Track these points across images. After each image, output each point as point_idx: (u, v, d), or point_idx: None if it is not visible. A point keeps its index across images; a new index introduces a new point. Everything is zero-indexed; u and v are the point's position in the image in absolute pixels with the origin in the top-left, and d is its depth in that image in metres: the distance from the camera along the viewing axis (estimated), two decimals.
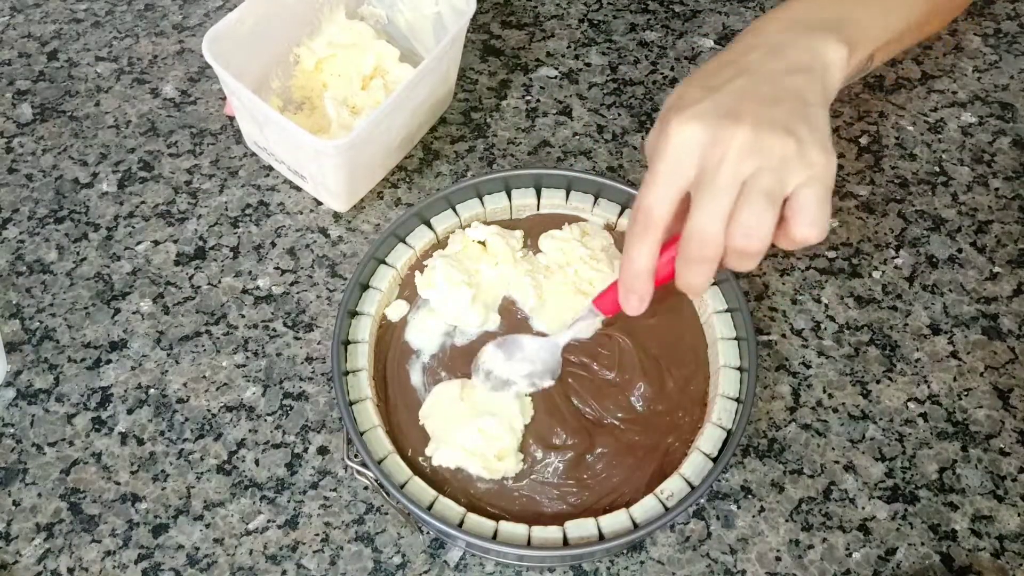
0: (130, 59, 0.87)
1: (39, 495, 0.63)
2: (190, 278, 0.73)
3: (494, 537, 0.56)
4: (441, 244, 0.69)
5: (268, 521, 0.61)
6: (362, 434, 0.58)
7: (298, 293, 0.72)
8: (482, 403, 0.60)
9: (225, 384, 0.67)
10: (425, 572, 0.60)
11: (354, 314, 0.64)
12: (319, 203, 0.76)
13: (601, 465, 0.60)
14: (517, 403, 0.61)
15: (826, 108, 0.50)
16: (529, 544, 0.56)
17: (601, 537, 0.56)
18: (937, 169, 0.79)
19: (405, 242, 0.68)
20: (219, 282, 0.72)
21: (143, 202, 0.77)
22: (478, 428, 0.59)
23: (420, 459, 0.60)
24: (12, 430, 0.65)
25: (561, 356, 0.62)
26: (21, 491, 0.63)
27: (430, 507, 0.56)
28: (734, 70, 0.51)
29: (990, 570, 0.60)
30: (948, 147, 0.81)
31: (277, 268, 0.73)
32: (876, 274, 0.73)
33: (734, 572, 0.60)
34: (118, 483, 0.63)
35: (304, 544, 0.61)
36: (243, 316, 0.70)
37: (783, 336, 0.70)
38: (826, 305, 0.71)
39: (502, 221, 0.70)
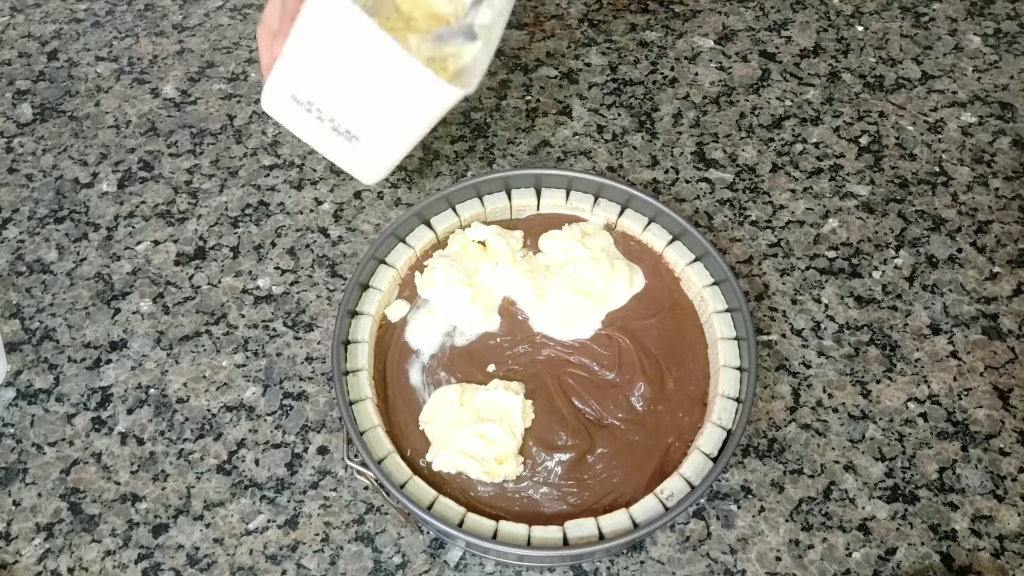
0: (130, 59, 0.87)
1: (39, 495, 0.63)
2: (190, 278, 0.73)
3: (494, 537, 0.56)
4: (441, 244, 0.69)
5: (268, 521, 0.61)
6: (362, 434, 0.58)
7: (298, 293, 0.72)
8: (482, 407, 0.60)
9: (225, 384, 0.67)
10: (425, 572, 0.60)
11: (354, 314, 0.64)
12: (319, 203, 0.76)
13: (601, 465, 0.60)
14: (518, 406, 0.60)
15: None
16: (529, 544, 0.56)
17: (601, 537, 0.56)
18: (937, 169, 0.79)
19: (405, 242, 0.68)
20: (219, 282, 0.72)
21: (143, 202, 0.77)
22: (478, 433, 0.59)
23: (420, 460, 0.60)
24: (12, 430, 0.65)
25: None
26: (21, 491, 0.63)
27: (430, 507, 0.56)
28: None
29: (990, 570, 0.60)
30: (948, 147, 0.81)
31: (277, 268, 0.73)
32: (876, 274, 0.73)
33: (734, 572, 0.60)
34: (118, 483, 0.63)
35: (304, 544, 0.61)
36: (243, 316, 0.70)
37: (783, 336, 0.70)
38: (826, 305, 0.71)
39: (502, 221, 0.70)
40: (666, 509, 0.56)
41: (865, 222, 0.76)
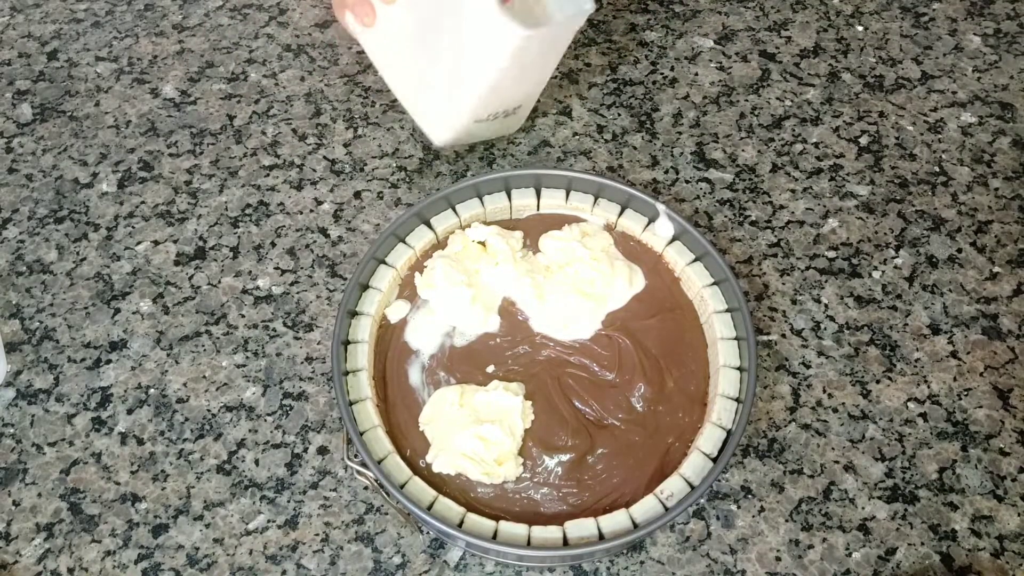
0: (130, 59, 0.87)
1: (39, 495, 0.63)
2: (190, 278, 0.73)
3: (494, 537, 0.56)
4: (441, 244, 0.69)
5: (268, 521, 0.61)
6: (362, 434, 0.58)
7: (298, 293, 0.72)
8: (482, 409, 0.60)
9: (225, 384, 0.67)
10: (425, 572, 0.60)
11: (354, 314, 0.64)
12: (319, 203, 0.76)
13: (601, 466, 0.60)
14: (517, 407, 0.60)
15: None
16: (529, 544, 0.56)
17: (601, 537, 0.56)
18: (937, 169, 0.79)
19: (405, 242, 0.68)
20: (219, 282, 0.72)
21: (143, 202, 0.77)
22: (478, 435, 0.58)
23: (420, 461, 0.60)
24: (12, 430, 0.65)
25: None
26: (21, 491, 0.63)
27: (430, 507, 0.56)
28: None
29: (990, 570, 0.60)
30: (948, 147, 0.81)
31: (277, 268, 0.73)
32: (876, 274, 0.73)
33: (734, 572, 0.60)
34: (118, 483, 0.63)
35: (304, 544, 0.61)
36: (243, 316, 0.70)
37: (783, 336, 0.70)
38: (826, 305, 0.71)
39: (502, 221, 0.70)
40: (666, 509, 0.56)
41: (865, 222, 0.76)
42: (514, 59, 0.64)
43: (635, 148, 0.80)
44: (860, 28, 0.90)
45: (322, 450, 0.64)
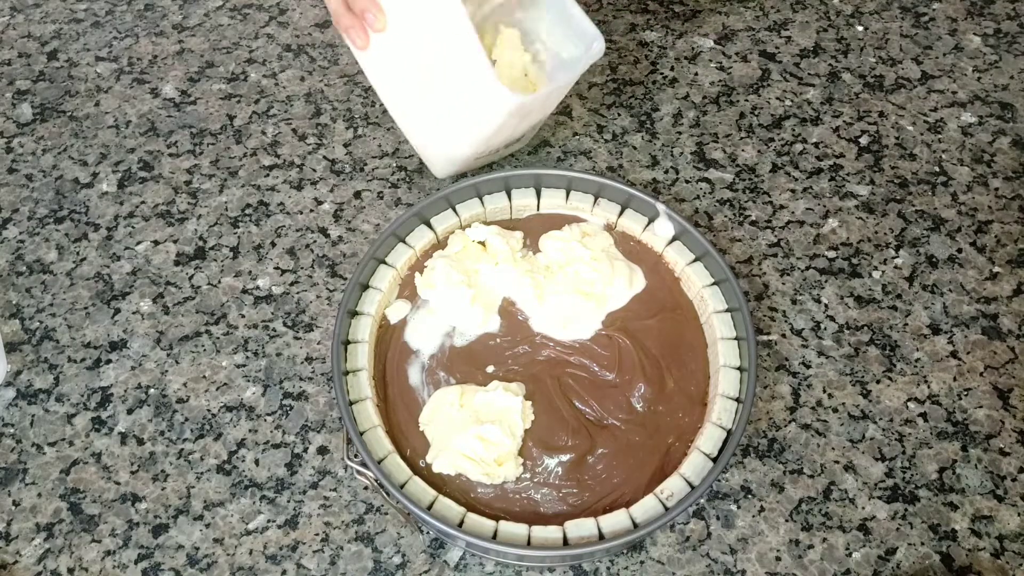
0: (130, 59, 0.87)
1: (39, 495, 0.63)
2: (190, 278, 0.73)
3: (494, 537, 0.56)
4: (441, 244, 0.69)
5: (268, 521, 0.61)
6: (362, 434, 0.58)
7: (298, 293, 0.72)
8: (482, 409, 0.60)
9: (225, 384, 0.67)
10: (425, 572, 0.60)
11: (354, 314, 0.64)
12: (319, 203, 0.76)
13: (601, 466, 0.60)
14: (517, 408, 0.60)
15: None
16: (529, 544, 0.56)
17: (601, 537, 0.56)
18: (937, 169, 0.79)
19: (405, 242, 0.68)
20: (219, 282, 0.72)
21: (143, 202, 0.77)
22: (478, 435, 0.58)
23: (420, 461, 0.60)
24: (12, 430, 0.65)
25: None
26: (21, 491, 0.63)
27: (430, 507, 0.56)
28: None
29: (990, 570, 0.60)
30: (948, 147, 0.81)
31: (277, 268, 0.73)
32: (876, 274, 0.73)
33: (734, 572, 0.60)
34: (118, 483, 0.63)
35: (304, 544, 0.61)
36: (243, 316, 0.70)
37: (783, 336, 0.70)
38: (826, 305, 0.71)
39: (502, 221, 0.70)
40: (666, 509, 0.56)
41: (865, 222, 0.76)
42: (508, 117, 0.65)
43: (635, 148, 0.80)
44: (860, 28, 0.90)
45: (322, 450, 0.64)
